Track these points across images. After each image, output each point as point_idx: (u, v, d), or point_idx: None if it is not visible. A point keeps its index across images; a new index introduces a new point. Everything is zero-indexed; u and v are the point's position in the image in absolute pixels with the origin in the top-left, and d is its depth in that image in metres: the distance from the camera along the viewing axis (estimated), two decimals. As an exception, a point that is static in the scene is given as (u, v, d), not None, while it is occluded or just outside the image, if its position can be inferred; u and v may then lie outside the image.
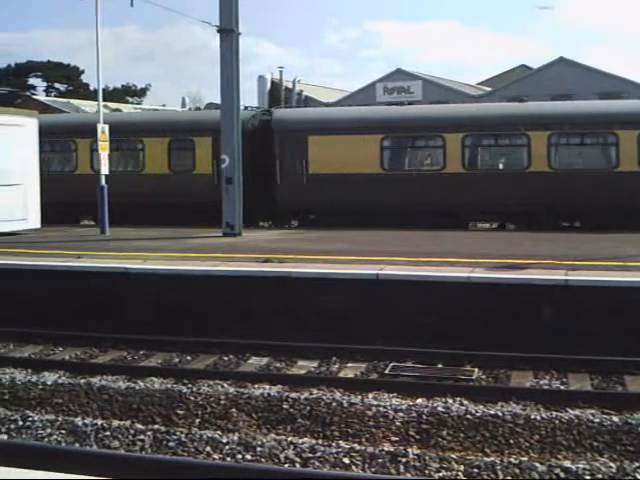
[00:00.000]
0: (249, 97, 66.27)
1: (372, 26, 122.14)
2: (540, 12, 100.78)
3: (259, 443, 6.95)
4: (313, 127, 21.58)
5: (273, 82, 44.12)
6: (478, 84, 60.00)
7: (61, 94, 73.45)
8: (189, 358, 10.57)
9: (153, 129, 23.06)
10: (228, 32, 17.64)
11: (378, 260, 12.68)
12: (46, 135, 20.68)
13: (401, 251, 13.75)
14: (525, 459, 6.59)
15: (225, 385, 8.92)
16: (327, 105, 35.06)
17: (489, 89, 52.54)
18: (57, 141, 23.78)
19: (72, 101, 54.31)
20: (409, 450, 6.66)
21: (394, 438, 7.13)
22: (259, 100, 41.76)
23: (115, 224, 18.64)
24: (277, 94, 42.99)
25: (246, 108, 24.22)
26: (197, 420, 7.78)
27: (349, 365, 9.95)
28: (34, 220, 18.88)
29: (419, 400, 8.21)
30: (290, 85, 44.90)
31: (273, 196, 21.50)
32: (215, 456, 6.81)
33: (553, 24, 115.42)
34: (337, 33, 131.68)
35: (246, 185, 18.29)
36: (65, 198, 21.78)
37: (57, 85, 78.91)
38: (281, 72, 44.66)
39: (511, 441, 7.05)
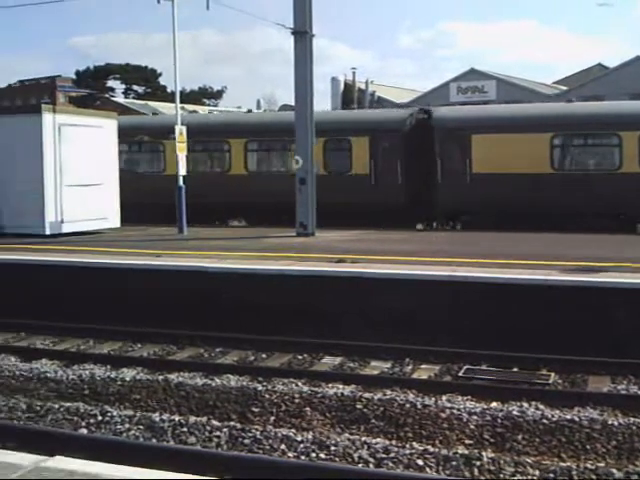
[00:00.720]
0: (322, 98, 66.64)
1: (446, 26, 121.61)
2: (615, 11, 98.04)
3: (333, 442, 6.98)
4: (477, 126, 21.08)
5: (346, 83, 44.16)
6: (554, 83, 58.87)
7: (139, 96, 75.06)
8: (264, 356, 10.72)
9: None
10: (302, 34, 17.78)
11: (450, 261, 12.62)
12: (198, 135, 21.42)
13: (483, 252, 13.66)
14: (602, 465, 6.48)
15: (299, 384, 9.01)
16: (399, 105, 34.87)
17: (565, 88, 51.50)
18: (209, 141, 24.12)
19: (150, 103, 55.49)
20: (483, 453, 6.62)
21: (468, 441, 7.09)
22: (332, 101, 41.89)
23: (265, 224, 18.90)
24: (350, 95, 43.00)
25: (400, 107, 24.18)
26: (272, 418, 7.86)
27: (422, 366, 9.94)
28: (114, 219, 19.37)
29: (494, 404, 8.14)
30: (363, 86, 44.84)
31: (432, 196, 21.05)
32: (289, 454, 6.86)
33: (631, 23, 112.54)
34: (410, 34, 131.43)
35: (404, 185, 18.18)
36: (216, 198, 22.07)
37: (135, 87, 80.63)
38: (354, 73, 44.67)
39: (587, 446, 6.94)
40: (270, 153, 24.29)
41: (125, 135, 21.75)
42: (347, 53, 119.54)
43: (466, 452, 6.69)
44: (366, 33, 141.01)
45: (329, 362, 10.30)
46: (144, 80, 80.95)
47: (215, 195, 22.01)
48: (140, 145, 25.01)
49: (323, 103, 56.46)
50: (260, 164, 24.42)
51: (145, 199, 21.82)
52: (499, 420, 7.48)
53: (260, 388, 8.71)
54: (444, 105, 29.39)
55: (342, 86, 43.42)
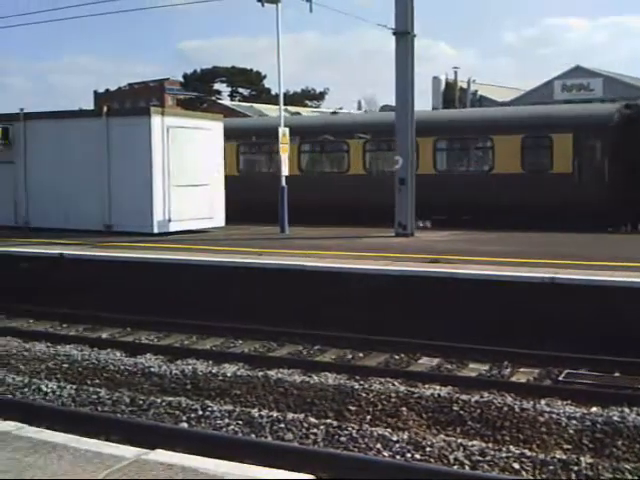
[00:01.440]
0: (424, 98, 66.08)
1: (551, 23, 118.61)
2: None
3: (429, 443, 6.96)
4: None
5: (447, 82, 43.79)
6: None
7: (244, 98, 76.35)
8: (361, 355, 10.79)
9: (503, 126, 21.80)
10: (403, 34, 17.74)
11: (550, 263, 12.38)
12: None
13: (578, 254, 13.34)
14: None
15: (396, 383, 9.02)
16: (501, 104, 34.13)
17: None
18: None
19: (255, 105, 56.42)
20: (582, 458, 6.48)
21: (566, 446, 6.96)
22: (433, 101, 41.61)
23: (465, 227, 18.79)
24: (451, 94, 42.62)
25: (603, 101, 23.77)
26: (368, 417, 7.88)
27: (521, 370, 9.80)
28: (219, 219, 19.84)
29: (594, 408, 7.96)
30: (464, 85, 44.35)
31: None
32: (385, 454, 6.88)
33: None
34: (513, 32, 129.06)
35: (610, 185, 17.97)
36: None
37: (240, 90, 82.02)
38: (455, 72, 44.25)
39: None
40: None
41: (308, 135, 22.25)
42: (449, 52, 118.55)
43: (564, 457, 6.57)
44: (468, 32, 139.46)
45: (426, 363, 10.28)
46: (249, 83, 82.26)
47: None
48: (323, 145, 24.68)
49: (424, 102, 56.08)
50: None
51: (329, 201, 21.92)
52: (599, 425, 7.30)
53: (357, 387, 8.75)
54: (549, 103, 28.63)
55: (443, 85, 43.06)
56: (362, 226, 19.72)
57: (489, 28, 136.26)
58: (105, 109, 19.32)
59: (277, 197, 18.82)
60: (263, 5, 18.41)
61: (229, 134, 21.35)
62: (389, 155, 20.97)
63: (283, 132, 19.00)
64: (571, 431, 7.26)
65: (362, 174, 22.98)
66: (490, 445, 6.98)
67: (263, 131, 24.51)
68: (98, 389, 8.93)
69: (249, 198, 21.78)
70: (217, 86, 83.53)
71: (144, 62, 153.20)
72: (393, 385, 8.94)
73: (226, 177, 20.28)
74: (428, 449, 6.88)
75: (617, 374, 9.38)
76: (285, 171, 19.06)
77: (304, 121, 28.41)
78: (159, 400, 8.37)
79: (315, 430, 7.40)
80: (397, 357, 10.57)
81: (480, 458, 6.66)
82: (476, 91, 46.30)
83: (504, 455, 6.67)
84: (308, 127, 24.74)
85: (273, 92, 70.37)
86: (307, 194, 21.13)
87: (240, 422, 7.69)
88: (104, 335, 12.32)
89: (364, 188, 21.84)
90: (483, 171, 22.41)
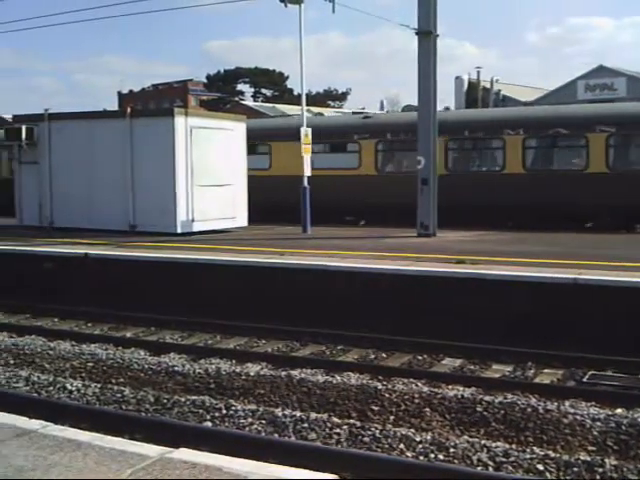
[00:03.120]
0: (447, 98, 65.89)
1: (576, 22, 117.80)
2: None
3: (452, 444, 6.94)
4: None
5: (470, 82, 43.61)
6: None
7: (267, 99, 76.51)
8: (384, 355, 10.78)
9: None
10: (426, 34, 17.70)
11: (575, 264, 12.29)
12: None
13: (604, 255, 13.24)
14: None
15: (419, 384, 9.00)
16: (525, 104, 33.75)
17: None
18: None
19: (277, 106, 56.52)
20: (606, 460, 6.44)
21: (591, 447, 6.92)
22: (456, 101, 41.46)
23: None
24: (474, 94, 42.44)
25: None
26: (391, 417, 7.87)
27: (545, 371, 9.74)
28: (242, 218, 19.92)
29: (618, 410, 7.90)
30: (487, 85, 44.15)
31: None
32: (408, 454, 6.87)
33: None
34: (537, 32, 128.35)
35: None
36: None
37: (263, 90, 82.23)
38: (478, 72, 44.04)
39: None
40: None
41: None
42: (473, 52, 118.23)
43: (588, 458, 6.53)
44: (492, 32, 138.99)
45: (449, 364, 10.25)
46: (272, 83, 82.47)
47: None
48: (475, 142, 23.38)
49: (447, 103, 55.83)
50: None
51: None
52: (623, 427, 7.26)
53: (380, 387, 8.75)
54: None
55: (466, 85, 42.90)
56: (388, 226, 19.69)
57: (513, 28, 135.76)
58: (129, 110, 19.43)
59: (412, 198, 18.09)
60: (286, 6, 18.44)
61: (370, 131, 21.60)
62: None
63: (306, 132, 18.99)
64: (595, 433, 7.22)
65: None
66: (514, 446, 6.95)
67: (401, 127, 23.23)
68: (122, 388, 8.99)
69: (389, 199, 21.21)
70: (240, 87, 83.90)
71: (169, 63, 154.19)
72: (416, 386, 8.91)
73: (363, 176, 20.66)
74: (451, 450, 6.86)
75: (642, 375, 9.30)
76: (308, 172, 19.06)
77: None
78: (183, 399, 8.41)
79: (338, 430, 7.40)
80: (420, 358, 10.55)
81: (504, 459, 6.64)
82: (499, 91, 46.06)
83: (528, 456, 6.64)
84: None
85: (295, 92, 70.49)
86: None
87: (263, 421, 7.70)
88: (128, 334, 12.40)
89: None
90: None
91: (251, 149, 21.70)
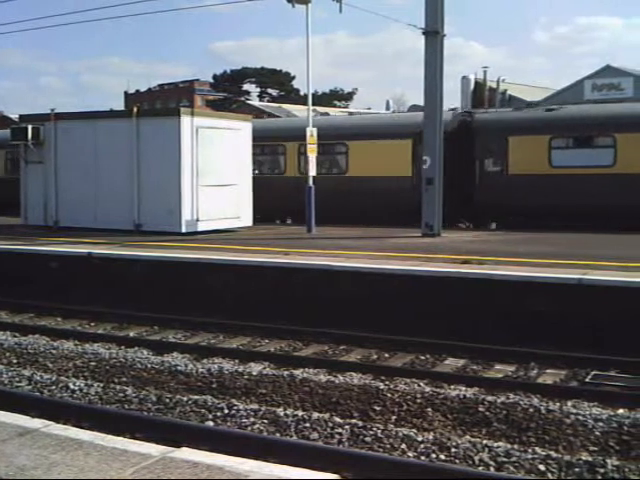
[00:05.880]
0: (453, 97, 65.78)
1: (585, 22, 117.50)
2: None
3: (454, 444, 6.94)
4: None
5: (476, 82, 43.49)
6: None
7: (273, 99, 76.54)
8: (387, 355, 10.78)
9: None
10: (433, 34, 17.69)
11: (579, 264, 12.27)
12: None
13: (608, 255, 13.21)
14: None
15: (421, 384, 9.01)
16: (530, 104, 33.43)
17: None
18: None
19: (283, 106, 56.55)
20: (608, 461, 6.43)
21: (592, 448, 6.91)
22: (462, 100, 41.34)
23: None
24: (480, 94, 42.34)
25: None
26: (393, 417, 7.87)
27: (548, 371, 9.74)
28: (246, 218, 19.95)
29: (620, 410, 7.89)
30: (494, 85, 44.02)
31: None
32: (410, 454, 6.87)
33: None
34: (546, 31, 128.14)
35: None
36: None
37: (270, 90, 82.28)
38: (485, 72, 43.92)
39: None
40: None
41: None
42: (481, 51, 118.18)
43: (590, 459, 6.52)
44: (501, 31, 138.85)
45: (452, 364, 10.25)
46: (278, 83, 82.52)
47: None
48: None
49: (453, 102, 55.72)
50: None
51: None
52: (625, 427, 7.25)
53: (382, 387, 8.75)
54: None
55: (472, 85, 42.79)
56: (390, 226, 19.68)
57: (522, 27, 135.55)
58: (135, 110, 19.46)
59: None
60: (293, 6, 18.44)
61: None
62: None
63: (311, 132, 18.99)
64: (597, 433, 7.21)
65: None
66: (516, 446, 6.93)
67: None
68: (125, 387, 9.01)
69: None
70: (246, 87, 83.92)
71: (175, 63, 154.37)
72: (419, 386, 8.92)
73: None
74: (453, 450, 6.85)
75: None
76: (313, 172, 19.06)
77: None
78: (185, 398, 8.41)
79: (340, 430, 7.39)
80: (423, 357, 10.55)
81: (505, 459, 6.62)
82: (505, 90, 45.94)
83: (530, 457, 6.63)
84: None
85: (302, 92, 70.56)
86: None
87: (265, 421, 7.70)
88: (132, 334, 12.42)
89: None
90: None
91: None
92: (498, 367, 10.01)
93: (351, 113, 26.95)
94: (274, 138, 24.51)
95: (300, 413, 7.89)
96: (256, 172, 22.48)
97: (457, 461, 6.69)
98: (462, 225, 22.18)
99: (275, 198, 22.29)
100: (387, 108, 43.53)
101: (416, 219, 18.16)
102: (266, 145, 24.35)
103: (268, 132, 24.36)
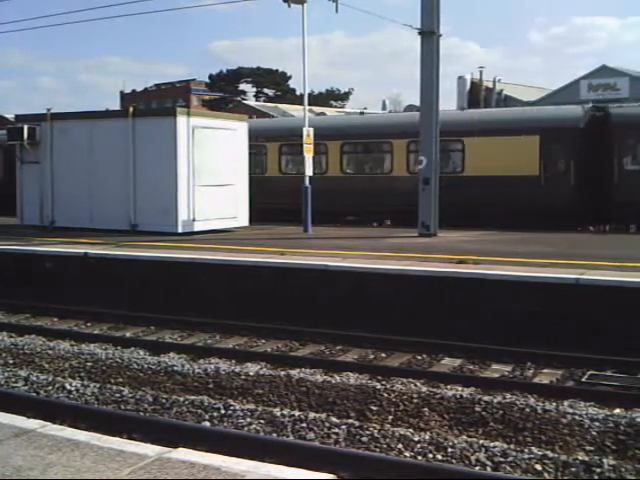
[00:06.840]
0: (449, 97, 65.85)
1: (580, 22, 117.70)
2: None
3: (450, 444, 6.94)
4: None
5: (473, 82, 43.52)
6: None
7: (269, 99, 76.49)
8: (383, 355, 10.78)
9: None
10: (429, 34, 17.70)
11: (577, 264, 12.27)
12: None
13: (607, 255, 13.22)
14: None
15: (418, 384, 9.02)
16: (527, 104, 33.31)
17: None
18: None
19: (280, 105, 56.56)
20: (604, 460, 6.44)
21: (589, 447, 6.92)
22: (458, 101, 41.36)
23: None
24: (476, 94, 42.34)
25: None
26: (390, 417, 7.87)
27: (544, 371, 9.75)
28: (243, 218, 19.94)
29: (617, 410, 7.91)
30: (490, 85, 44.07)
31: None
32: (406, 454, 6.86)
33: None
34: (542, 31, 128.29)
35: None
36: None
37: (266, 90, 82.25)
38: (481, 72, 43.98)
39: None
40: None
41: None
42: (478, 51, 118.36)
43: (586, 458, 6.53)
44: (497, 31, 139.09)
45: (448, 363, 10.25)
46: (274, 83, 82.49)
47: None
48: None
49: (450, 102, 55.90)
50: None
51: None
52: (622, 427, 7.26)
53: (379, 387, 8.75)
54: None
55: (468, 85, 42.82)
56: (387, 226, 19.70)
57: (518, 27, 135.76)
58: (131, 109, 19.44)
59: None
60: (289, 6, 18.42)
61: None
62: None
63: (307, 132, 19.00)
64: (594, 433, 7.21)
65: None
66: (512, 446, 6.94)
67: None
68: (121, 387, 8.99)
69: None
70: (242, 87, 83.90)
71: (172, 63, 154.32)
72: (415, 386, 8.92)
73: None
74: (450, 450, 6.85)
75: (641, 375, 9.30)
76: (309, 172, 19.07)
77: None
78: (182, 399, 8.40)
79: (337, 430, 7.39)
80: (419, 357, 10.55)
81: (502, 459, 6.63)
82: (501, 90, 45.96)
83: (526, 456, 6.63)
84: None
85: (298, 92, 70.54)
86: None
87: (262, 421, 7.69)
88: (128, 334, 12.41)
89: None
90: None
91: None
92: (495, 367, 10.02)
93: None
94: (378, 135, 23.93)
95: (297, 413, 7.88)
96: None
97: (454, 461, 6.69)
98: (591, 228, 21.20)
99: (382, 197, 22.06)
100: (383, 108, 43.53)
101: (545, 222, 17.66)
102: (370, 143, 24.07)
103: (372, 129, 24.23)
